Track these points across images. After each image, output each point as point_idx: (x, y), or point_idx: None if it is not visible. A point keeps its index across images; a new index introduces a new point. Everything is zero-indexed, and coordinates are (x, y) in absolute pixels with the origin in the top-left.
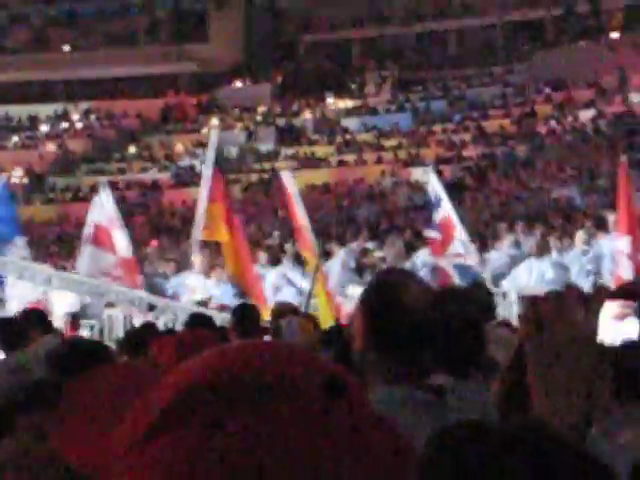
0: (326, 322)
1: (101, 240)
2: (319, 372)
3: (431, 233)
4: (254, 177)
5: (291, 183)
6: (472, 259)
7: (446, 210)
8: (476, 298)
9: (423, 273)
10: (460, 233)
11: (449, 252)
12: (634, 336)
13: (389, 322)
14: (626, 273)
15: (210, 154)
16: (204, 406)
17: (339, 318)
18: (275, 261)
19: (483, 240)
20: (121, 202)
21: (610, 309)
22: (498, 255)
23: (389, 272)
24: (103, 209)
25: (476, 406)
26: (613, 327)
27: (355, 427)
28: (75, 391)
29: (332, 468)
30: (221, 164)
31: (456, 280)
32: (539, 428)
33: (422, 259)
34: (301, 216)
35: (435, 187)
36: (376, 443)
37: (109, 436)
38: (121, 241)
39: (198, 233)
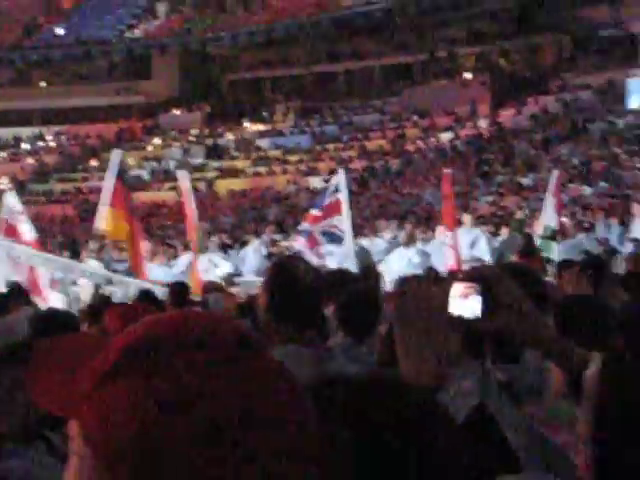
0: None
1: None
2: (233, 331)
3: (314, 211)
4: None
5: (186, 182)
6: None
7: (337, 197)
8: (367, 277)
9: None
10: (343, 218)
11: (325, 223)
12: (477, 310)
13: (283, 297)
14: (449, 261)
15: (112, 170)
16: (142, 361)
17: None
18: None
19: (362, 232)
20: (85, 203)
21: (456, 289)
22: (378, 243)
23: (285, 258)
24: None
25: (367, 364)
26: (459, 304)
27: (261, 371)
28: (45, 350)
29: (246, 402)
30: (124, 177)
31: (323, 245)
32: (383, 379)
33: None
34: (191, 209)
35: (340, 184)
36: (276, 383)
37: (70, 386)
38: (25, 230)
39: (97, 228)
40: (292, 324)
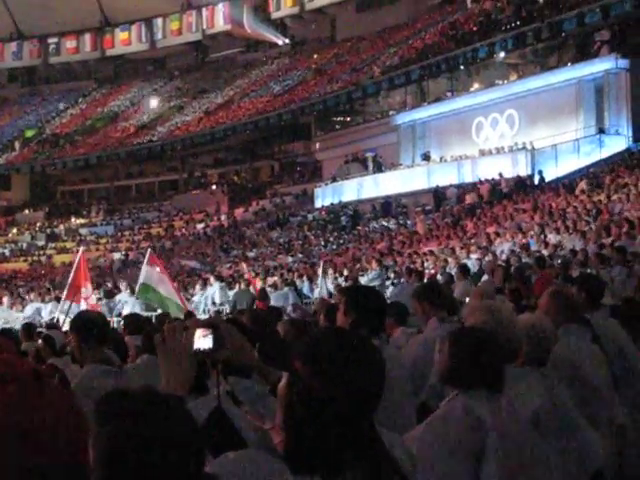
0: None
1: None
2: (30, 368)
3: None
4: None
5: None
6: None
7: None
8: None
9: None
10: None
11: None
12: (210, 345)
13: (87, 333)
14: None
15: None
16: None
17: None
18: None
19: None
20: None
21: (197, 332)
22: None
23: (85, 311)
24: None
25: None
26: (199, 341)
27: (50, 396)
28: None
29: (41, 418)
30: None
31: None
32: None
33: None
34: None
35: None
36: (62, 404)
37: None
38: None
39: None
40: (89, 350)
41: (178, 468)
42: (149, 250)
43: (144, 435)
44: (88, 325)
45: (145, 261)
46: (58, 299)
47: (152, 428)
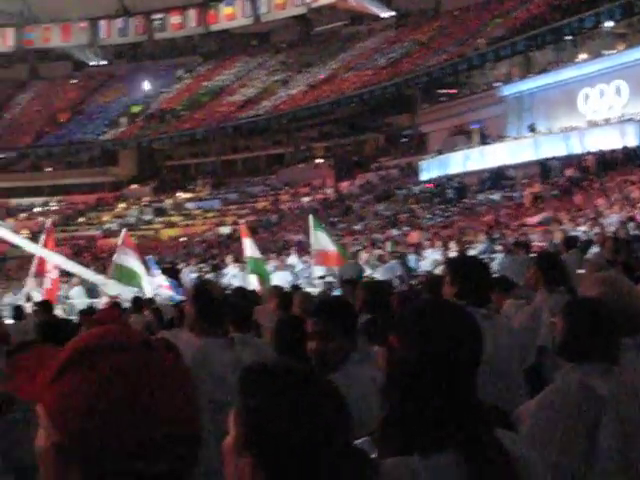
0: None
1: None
2: (140, 338)
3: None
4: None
5: (124, 237)
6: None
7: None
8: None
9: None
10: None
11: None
12: None
13: (203, 306)
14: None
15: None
16: (82, 360)
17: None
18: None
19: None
20: (75, 246)
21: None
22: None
23: (203, 281)
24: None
25: (255, 348)
26: None
27: (163, 364)
28: (24, 355)
29: (157, 381)
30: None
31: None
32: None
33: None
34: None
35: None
36: (175, 371)
37: (37, 380)
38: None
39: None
40: (207, 322)
41: (327, 443)
42: (123, 231)
43: (293, 409)
44: (206, 297)
45: (121, 242)
46: (165, 272)
47: (301, 402)
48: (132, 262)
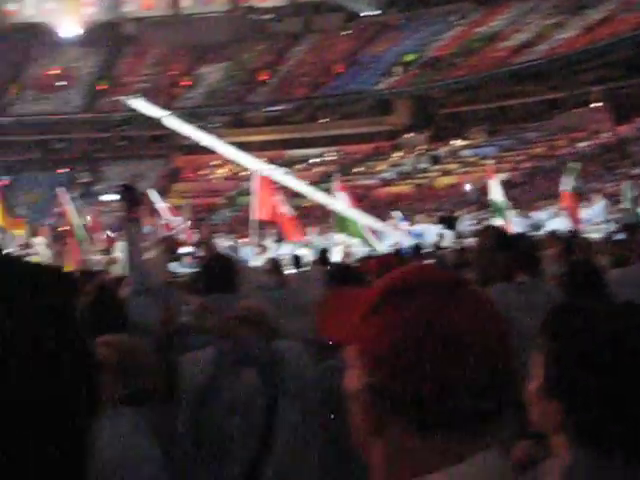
0: None
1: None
2: (449, 276)
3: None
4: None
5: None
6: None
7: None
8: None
9: None
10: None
11: None
12: None
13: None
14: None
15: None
16: (393, 299)
17: None
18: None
19: None
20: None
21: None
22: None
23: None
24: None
25: (545, 292)
26: None
27: (471, 298)
28: (334, 297)
29: (467, 323)
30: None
31: None
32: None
33: None
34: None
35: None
36: (484, 306)
37: (349, 320)
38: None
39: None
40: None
41: None
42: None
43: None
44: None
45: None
46: (444, 220)
47: (622, 343)
48: (350, 212)
